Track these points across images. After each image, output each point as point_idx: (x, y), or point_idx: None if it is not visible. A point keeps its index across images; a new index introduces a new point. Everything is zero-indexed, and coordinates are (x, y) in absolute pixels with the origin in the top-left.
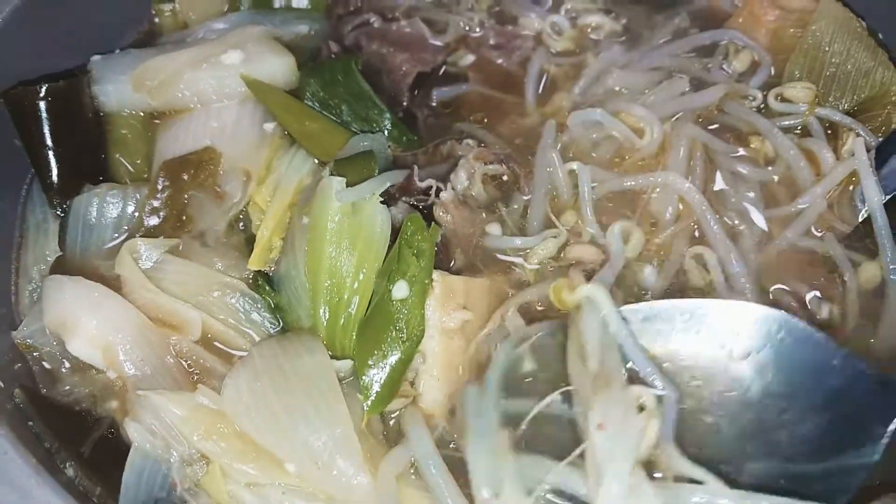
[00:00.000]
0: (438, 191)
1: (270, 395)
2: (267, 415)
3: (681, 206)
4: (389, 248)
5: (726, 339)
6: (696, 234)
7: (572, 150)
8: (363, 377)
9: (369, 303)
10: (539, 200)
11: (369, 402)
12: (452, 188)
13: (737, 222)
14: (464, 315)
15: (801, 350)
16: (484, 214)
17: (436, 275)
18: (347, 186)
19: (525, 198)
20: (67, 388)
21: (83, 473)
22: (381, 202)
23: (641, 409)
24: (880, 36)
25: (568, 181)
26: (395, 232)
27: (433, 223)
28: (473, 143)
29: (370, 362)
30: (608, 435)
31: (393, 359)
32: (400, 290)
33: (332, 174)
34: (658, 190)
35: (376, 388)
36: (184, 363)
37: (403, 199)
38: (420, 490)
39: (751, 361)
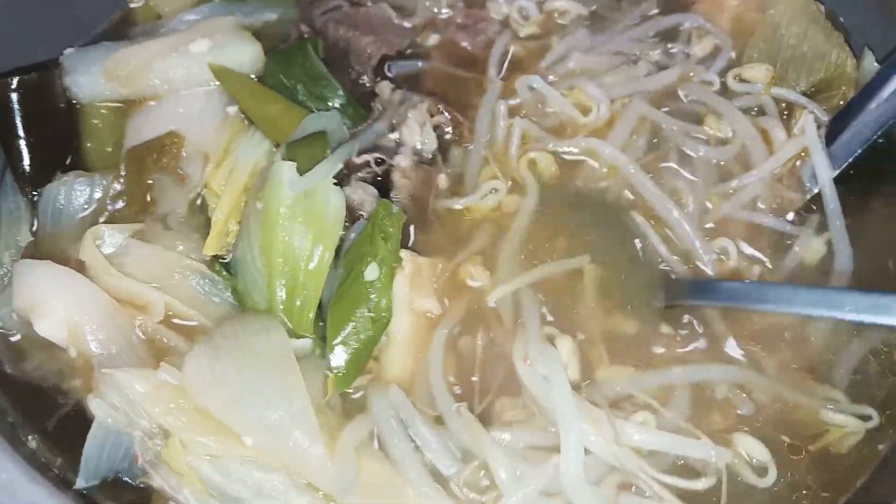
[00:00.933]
0: (378, 162)
1: (230, 373)
2: (226, 391)
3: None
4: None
5: None
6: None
7: (521, 114)
8: (331, 354)
9: (340, 284)
10: (478, 151)
11: (337, 379)
12: (404, 144)
13: (682, 196)
14: (432, 305)
15: None
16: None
17: (406, 254)
18: (299, 170)
19: (468, 146)
20: (34, 366)
21: (46, 446)
22: (335, 183)
23: None
24: (841, 19)
25: (507, 135)
26: (351, 210)
27: (399, 211)
28: (419, 98)
29: (339, 341)
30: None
31: (362, 337)
32: (371, 272)
33: (283, 158)
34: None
35: (344, 365)
36: (149, 342)
37: (355, 176)
38: (380, 461)
39: None
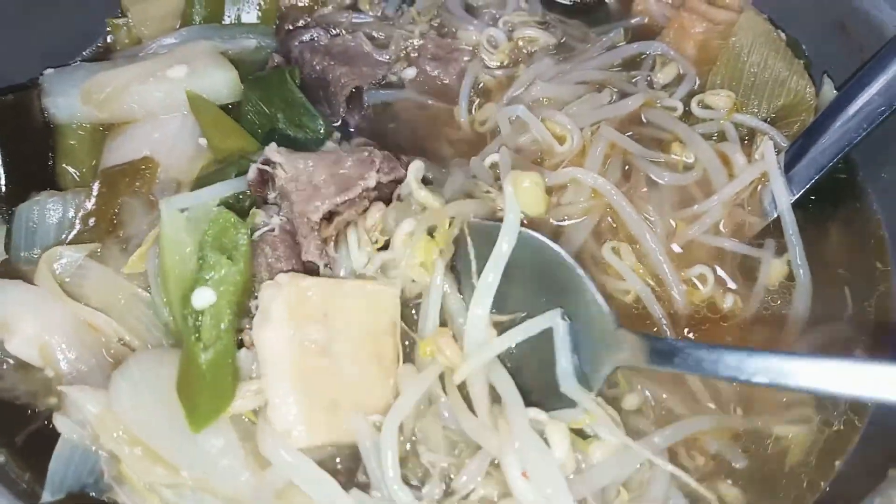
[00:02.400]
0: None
1: (154, 407)
2: (153, 426)
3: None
4: None
5: None
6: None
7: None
8: (180, 394)
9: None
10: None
11: (193, 417)
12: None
13: (652, 219)
14: (315, 332)
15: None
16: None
17: (284, 277)
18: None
19: None
20: (8, 384)
21: (14, 461)
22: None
23: None
24: (803, 47)
25: (489, 172)
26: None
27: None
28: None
29: (184, 377)
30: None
31: (203, 370)
32: (201, 298)
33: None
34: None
35: (197, 402)
36: (114, 362)
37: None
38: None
39: None
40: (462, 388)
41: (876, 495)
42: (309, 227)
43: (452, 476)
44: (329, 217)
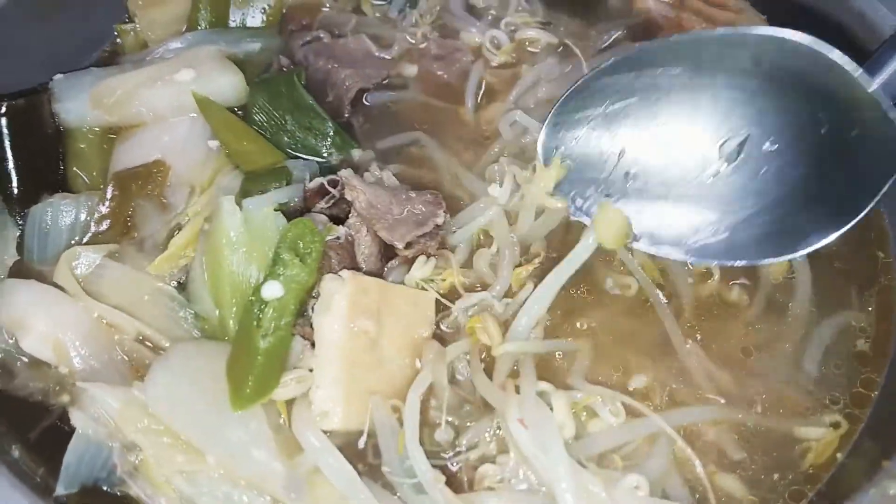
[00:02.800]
0: (334, 184)
1: (189, 395)
2: (187, 413)
3: None
4: None
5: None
6: None
7: (505, 153)
8: (229, 373)
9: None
10: None
11: (237, 397)
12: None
13: None
14: (369, 325)
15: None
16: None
17: (346, 273)
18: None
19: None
20: (23, 382)
21: (28, 456)
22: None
23: None
24: None
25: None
26: None
27: (327, 225)
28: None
29: (236, 359)
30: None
31: (257, 355)
32: (270, 289)
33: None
34: None
35: (244, 383)
36: (128, 359)
37: (315, 210)
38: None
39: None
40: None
41: (872, 486)
42: (376, 245)
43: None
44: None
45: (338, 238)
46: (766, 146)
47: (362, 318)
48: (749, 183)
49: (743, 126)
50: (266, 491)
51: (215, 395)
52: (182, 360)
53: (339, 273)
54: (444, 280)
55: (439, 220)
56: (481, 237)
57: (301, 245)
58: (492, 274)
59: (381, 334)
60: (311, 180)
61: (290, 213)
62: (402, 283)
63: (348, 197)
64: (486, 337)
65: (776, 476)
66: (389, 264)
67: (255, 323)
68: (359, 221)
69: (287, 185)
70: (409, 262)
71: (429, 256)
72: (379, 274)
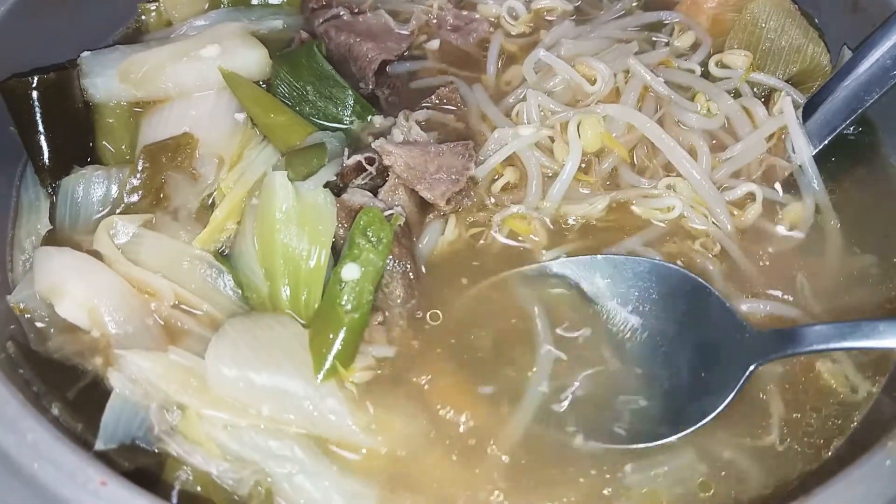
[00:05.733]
0: (371, 162)
1: (254, 364)
2: (252, 385)
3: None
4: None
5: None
6: None
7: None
8: (313, 345)
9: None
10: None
11: (322, 368)
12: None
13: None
14: None
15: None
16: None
17: None
18: (294, 177)
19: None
20: (56, 346)
21: (67, 413)
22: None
23: None
24: (816, 22)
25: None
26: (351, 212)
27: (394, 214)
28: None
29: (319, 332)
30: None
31: (341, 328)
32: (349, 271)
33: (284, 166)
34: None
35: (327, 354)
36: (164, 325)
37: (352, 184)
38: None
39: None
40: None
41: (889, 438)
42: (414, 201)
43: None
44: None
45: (400, 226)
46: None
47: None
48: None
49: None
50: (332, 435)
51: (282, 360)
52: (240, 332)
53: None
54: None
55: (471, 172)
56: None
57: (370, 231)
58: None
59: None
60: (347, 155)
61: (328, 185)
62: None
63: (386, 162)
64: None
65: None
66: (427, 218)
67: (338, 300)
68: (395, 184)
69: (325, 162)
70: (445, 216)
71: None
72: (419, 227)
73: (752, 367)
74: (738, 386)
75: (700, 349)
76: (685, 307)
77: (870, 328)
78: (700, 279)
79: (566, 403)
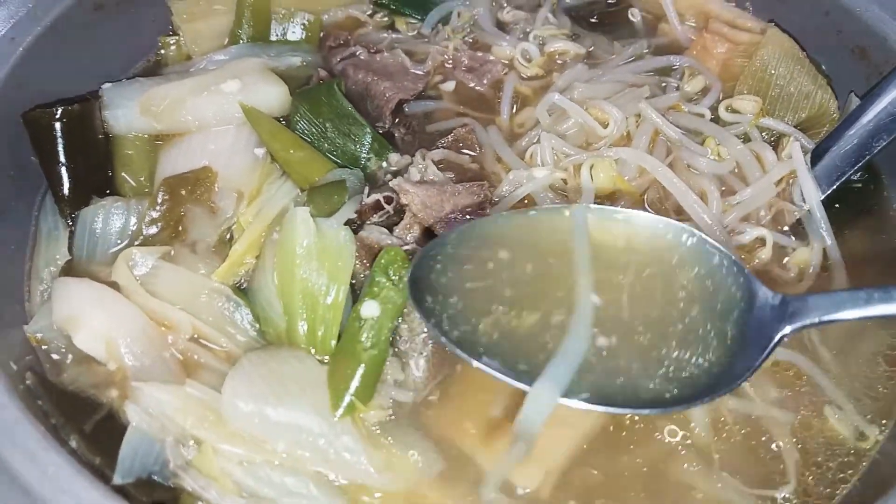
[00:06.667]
0: (389, 201)
1: (270, 400)
2: (267, 421)
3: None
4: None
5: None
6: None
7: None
8: (331, 381)
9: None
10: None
11: (340, 405)
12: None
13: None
14: None
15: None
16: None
17: None
18: (316, 213)
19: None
20: (72, 377)
21: (85, 446)
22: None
23: None
24: (823, 68)
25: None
26: (370, 249)
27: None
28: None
29: (337, 369)
30: None
31: (359, 365)
32: (368, 308)
33: (305, 202)
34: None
35: (345, 390)
36: (180, 358)
37: (369, 221)
38: None
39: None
40: None
41: None
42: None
43: None
44: None
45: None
46: None
47: None
48: None
49: None
50: (346, 475)
51: (298, 396)
52: (257, 366)
53: None
54: None
55: (487, 213)
56: None
57: (391, 271)
58: None
59: None
60: (366, 193)
61: (346, 223)
62: None
63: (404, 200)
64: None
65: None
66: None
67: (357, 336)
68: (411, 221)
69: (346, 199)
70: None
71: None
72: None
73: (782, 332)
74: (769, 350)
75: (724, 315)
76: (706, 274)
77: None
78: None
79: None
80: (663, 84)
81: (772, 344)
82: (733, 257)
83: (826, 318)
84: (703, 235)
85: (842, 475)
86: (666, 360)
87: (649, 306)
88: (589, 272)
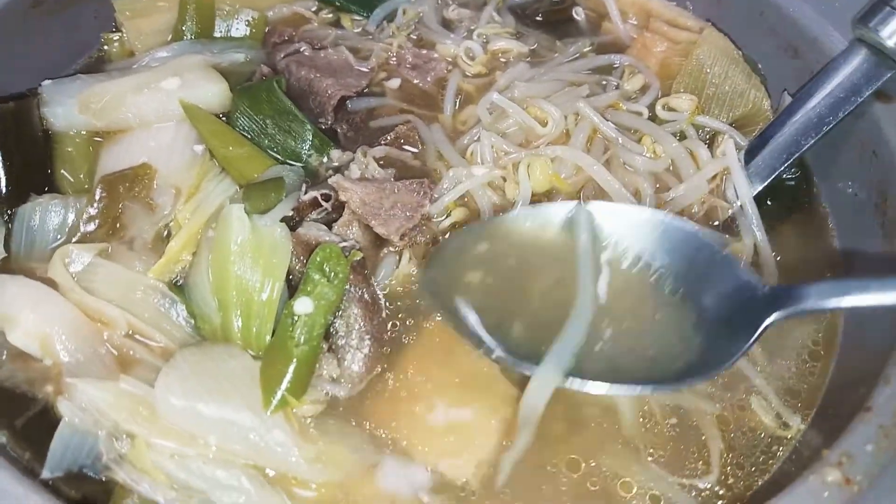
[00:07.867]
0: (327, 198)
1: (202, 396)
2: (199, 413)
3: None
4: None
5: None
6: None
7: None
8: (263, 377)
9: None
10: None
11: (272, 402)
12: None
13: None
14: None
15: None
16: (391, 179)
17: None
18: (252, 210)
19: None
20: (7, 374)
21: (14, 442)
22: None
23: None
24: (759, 66)
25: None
26: (307, 246)
27: (352, 250)
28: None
29: (270, 365)
30: None
31: (291, 362)
32: (301, 305)
33: (242, 198)
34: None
35: (276, 387)
36: (116, 354)
37: (308, 218)
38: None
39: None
40: None
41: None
42: (368, 238)
43: None
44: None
45: (357, 260)
46: None
47: None
48: None
49: None
50: (277, 467)
51: (231, 394)
52: (191, 364)
53: None
54: None
55: (426, 210)
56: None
57: (327, 267)
58: None
59: None
60: (304, 190)
61: (284, 219)
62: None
63: (342, 198)
64: None
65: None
66: (382, 253)
67: (289, 333)
68: (350, 218)
69: (283, 197)
70: (400, 251)
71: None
72: (374, 262)
73: (767, 321)
74: (756, 335)
75: (712, 303)
76: (694, 263)
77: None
78: (709, 240)
79: None
80: (604, 82)
81: (759, 330)
82: (725, 251)
83: (811, 306)
84: (696, 228)
85: (763, 465)
86: (657, 344)
87: (643, 295)
88: (590, 267)
